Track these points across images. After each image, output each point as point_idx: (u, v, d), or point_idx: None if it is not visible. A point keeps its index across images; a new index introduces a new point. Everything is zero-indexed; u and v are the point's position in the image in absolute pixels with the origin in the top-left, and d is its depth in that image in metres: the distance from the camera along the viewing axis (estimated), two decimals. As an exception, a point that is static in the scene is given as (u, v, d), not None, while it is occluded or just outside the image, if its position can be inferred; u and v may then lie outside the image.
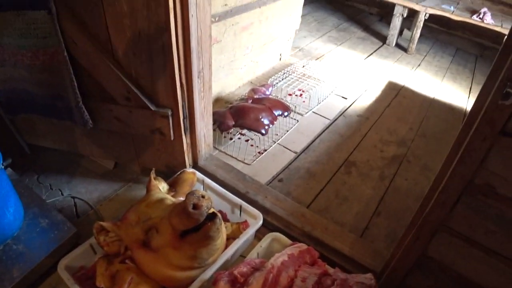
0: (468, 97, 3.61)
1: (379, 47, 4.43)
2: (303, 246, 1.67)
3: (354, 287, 1.45)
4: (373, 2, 5.18)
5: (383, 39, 4.59)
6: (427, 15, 4.10)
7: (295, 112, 2.92)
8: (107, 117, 1.93)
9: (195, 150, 2.09)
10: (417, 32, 4.20)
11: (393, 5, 4.26)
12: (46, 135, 2.24)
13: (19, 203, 1.83)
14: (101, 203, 2.13)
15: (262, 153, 2.49)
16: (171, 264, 1.45)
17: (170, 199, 1.61)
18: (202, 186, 1.99)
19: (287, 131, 2.71)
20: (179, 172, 1.97)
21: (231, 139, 2.58)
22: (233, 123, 2.41)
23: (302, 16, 3.66)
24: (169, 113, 1.82)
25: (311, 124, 2.86)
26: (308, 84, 3.20)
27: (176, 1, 1.56)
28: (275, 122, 2.53)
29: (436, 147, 2.80)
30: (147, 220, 1.50)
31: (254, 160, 2.43)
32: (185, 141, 1.98)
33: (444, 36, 4.88)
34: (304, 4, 3.57)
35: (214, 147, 2.44)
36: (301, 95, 3.09)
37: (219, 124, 2.39)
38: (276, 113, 2.56)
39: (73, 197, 2.16)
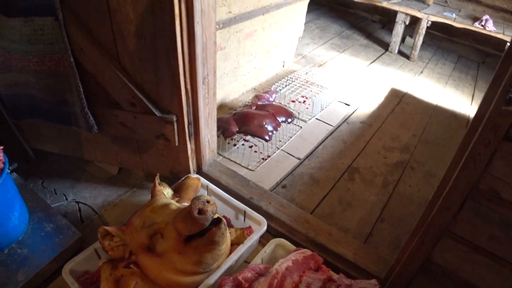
0: (471, 104, 3.62)
1: (382, 54, 4.45)
2: (307, 252, 1.67)
3: (358, 293, 1.46)
4: (376, 10, 5.21)
5: (385, 46, 4.62)
6: (429, 22, 4.12)
7: (298, 118, 2.93)
8: (112, 122, 1.95)
9: (200, 156, 2.10)
10: (419, 40, 4.22)
11: (395, 13, 4.28)
12: (50, 140, 2.26)
13: (24, 208, 1.84)
14: (105, 208, 2.14)
15: (265, 159, 2.50)
16: (175, 269, 1.45)
17: (175, 204, 1.62)
18: (206, 192, 2.00)
19: (291, 137, 2.72)
20: (183, 178, 1.98)
21: (235, 145, 2.59)
22: (237, 129, 2.42)
23: (305, 23, 3.69)
24: (174, 119, 1.83)
25: (315, 130, 2.87)
26: (311, 91, 3.21)
27: (181, 8, 1.58)
28: (278, 129, 2.54)
29: (439, 154, 2.80)
30: (152, 225, 1.51)
31: (258, 166, 2.44)
32: (190, 147, 1.99)
33: (446, 43, 4.90)
34: (307, 12, 3.59)
35: (218, 153, 2.45)
36: (304, 101, 3.10)
37: (223, 131, 2.40)
38: (280, 119, 2.58)
39: (78, 202, 2.17)
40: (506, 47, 1.02)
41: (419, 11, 4.14)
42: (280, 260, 1.57)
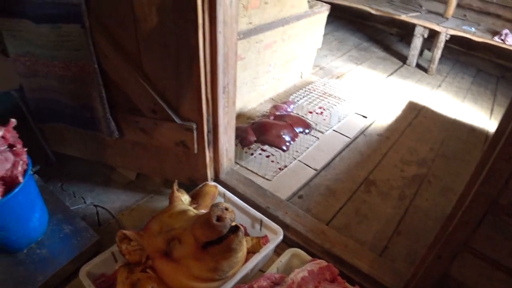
0: (490, 118, 3.58)
1: (400, 67, 4.44)
2: (323, 262, 1.67)
3: (374, 306, 1.45)
4: (394, 23, 5.20)
5: (403, 59, 4.60)
6: (448, 36, 4.10)
7: (315, 129, 2.93)
8: (133, 128, 1.98)
9: (217, 164, 2.12)
10: (438, 53, 4.20)
11: (413, 26, 4.27)
12: (72, 144, 2.30)
13: (45, 209, 1.88)
14: (122, 213, 2.17)
15: (282, 169, 2.50)
16: (192, 275, 1.46)
17: (192, 211, 1.64)
18: (223, 200, 2.01)
19: (307, 148, 2.73)
20: (201, 185, 2.00)
21: (252, 154, 2.60)
22: (255, 138, 2.44)
23: (323, 35, 3.71)
24: (194, 126, 1.85)
25: (331, 142, 2.87)
26: (328, 102, 3.22)
27: (205, 19, 1.61)
28: (296, 139, 2.55)
29: (457, 168, 2.77)
30: (169, 231, 1.52)
31: (275, 176, 2.44)
32: (208, 154, 2.01)
33: (465, 57, 4.87)
34: (325, 24, 3.61)
35: (235, 162, 2.47)
36: (321, 113, 3.11)
37: (241, 140, 2.42)
38: (297, 130, 2.59)
39: (96, 206, 2.21)
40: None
41: (438, 24, 4.12)
42: (296, 270, 1.57)
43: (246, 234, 1.90)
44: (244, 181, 2.22)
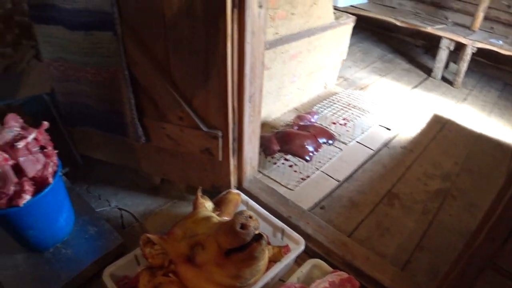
0: (517, 134, 3.50)
1: (424, 80, 4.39)
2: (344, 274, 1.66)
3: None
4: (419, 35, 5.15)
5: (428, 71, 4.55)
6: (475, 49, 4.04)
7: (339, 140, 2.93)
8: (160, 134, 2.02)
9: (241, 172, 2.13)
10: (464, 66, 4.14)
11: (439, 38, 4.22)
12: (98, 147, 2.36)
13: (71, 210, 1.93)
14: (146, 217, 2.20)
15: (305, 179, 2.50)
16: (213, 281, 1.48)
17: (216, 217, 1.65)
18: (246, 208, 2.03)
19: (330, 159, 2.72)
20: (224, 192, 2.02)
21: (275, 163, 2.61)
22: (279, 148, 2.45)
23: (348, 46, 3.70)
24: (220, 134, 1.88)
25: (355, 153, 2.85)
26: (352, 114, 3.21)
27: (234, 29, 1.64)
28: (319, 150, 2.55)
29: (482, 183, 2.72)
30: (193, 236, 1.54)
31: (297, 186, 2.45)
32: (232, 162, 2.03)
33: (492, 70, 4.78)
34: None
35: (258, 171, 2.48)
36: (345, 124, 3.10)
37: (265, 149, 2.44)
38: (321, 140, 2.59)
39: (120, 209, 2.25)
40: None
41: (464, 37, 4.07)
42: (317, 280, 1.57)
43: (268, 243, 1.91)
44: (266, 190, 2.23)
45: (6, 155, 1.54)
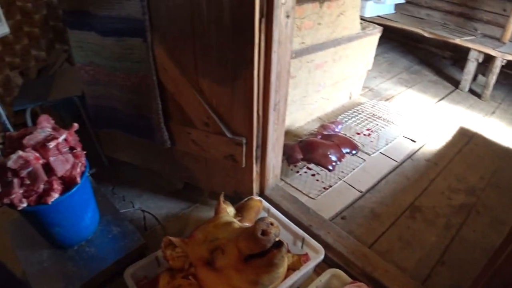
0: (547, 151, 3.40)
1: (451, 92, 4.32)
2: (363, 286, 1.65)
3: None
4: (447, 46, 5.07)
5: (455, 83, 4.47)
6: (505, 61, 3.95)
7: (362, 151, 2.91)
8: (185, 139, 2.06)
9: (264, 179, 2.15)
10: (493, 78, 4.05)
11: (468, 50, 4.15)
12: (124, 150, 2.41)
13: (96, 210, 1.98)
14: (168, 219, 2.24)
15: (327, 189, 2.50)
16: (232, 285, 1.49)
17: (237, 223, 1.67)
18: (267, 215, 2.04)
19: (353, 169, 2.71)
20: (246, 199, 2.03)
21: (297, 172, 2.62)
22: (302, 156, 2.45)
23: (374, 57, 3.68)
24: (244, 141, 1.90)
25: (378, 164, 2.83)
26: (377, 125, 3.19)
27: (261, 38, 1.66)
28: (342, 160, 2.54)
29: (509, 199, 2.65)
30: (214, 240, 1.56)
31: (319, 195, 2.44)
32: (255, 169, 2.05)
33: (522, 84, 4.66)
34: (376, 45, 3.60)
35: (281, 179, 2.49)
36: (369, 134, 3.09)
37: (288, 157, 2.45)
38: (344, 150, 2.58)
39: (143, 211, 2.29)
40: None
41: (493, 49, 3.98)
42: (336, 291, 1.57)
43: (287, 251, 1.91)
44: (288, 198, 2.24)
45: (37, 154, 1.60)
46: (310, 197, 2.42)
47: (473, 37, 4.29)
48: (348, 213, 2.36)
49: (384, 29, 3.61)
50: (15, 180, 1.54)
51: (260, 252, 1.41)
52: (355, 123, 3.17)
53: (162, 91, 1.94)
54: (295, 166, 2.61)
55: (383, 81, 4.37)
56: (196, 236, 1.63)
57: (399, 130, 3.25)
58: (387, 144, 3.06)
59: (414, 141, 3.19)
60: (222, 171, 2.12)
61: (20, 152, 1.54)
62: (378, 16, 4.76)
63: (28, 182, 1.57)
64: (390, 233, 2.26)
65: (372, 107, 3.51)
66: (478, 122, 3.69)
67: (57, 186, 1.63)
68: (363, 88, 3.98)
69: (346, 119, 3.22)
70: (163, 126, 2.02)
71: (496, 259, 1.26)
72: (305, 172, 2.63)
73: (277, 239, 1.44)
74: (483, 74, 4.44)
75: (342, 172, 2.67)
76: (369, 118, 3.30)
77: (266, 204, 2.05)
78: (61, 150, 1.67)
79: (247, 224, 1.75)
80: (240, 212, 1.92)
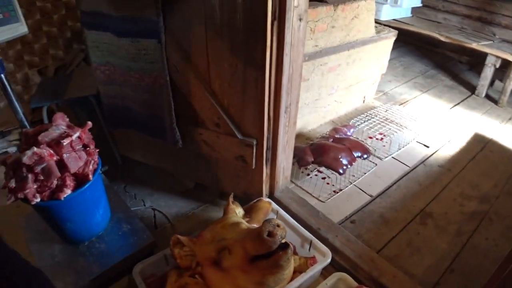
0: None
1: (467, 97, 4.26)
2: (370, 291, 1.65)
3: None
4: (464, 51, 5.01)
5: (472, 89, 4.41)
6: (522, 67, 3.88)
7: (374, 155, 2.90)
8: (196, 139, 2.08)
9: (273, 181, 2.16)
10: (510, 84, 3.97)
11: (485, 55, 4.10)
12: (137, 149, 2.45)
13: (108, 207, 2.01)
14: (178, 218, 2.27)
15: (337, 192, 2.50)
16: (238, 286, 1.50)
17: (245, 224, 1.69)
18: (276, 217, 2.04)
19: (365, 173, 2.70)
20: (255, 200, 2.05)
21: (308, 175, 2.63)
22: (312, 159, 2.45)
23: (389, 60, 3.66)
24: (254, 142, 1.91)
25: (390, 169, 2.82)
26: (389, 129, 3.17)
27: (273, 40, 1.67)
28: (353, 163, 2.54)
29: (524, 209, 2.62)
30: (221, 240, 1.58)
31: (329, 198, 2.44)
32: (265, 171, 2.06)
33: (541, 91, 4.57)
34: (392, 49, 3.57)
35: (291, 181, 2.50)
36: (381, 139, 3.07)
37: (298, 159, 2.45)
38: (356, 154, 2.57)
39: (154, 209, 2.32)
40: None
41: (511, 54, 3.93)
42: (341, 294, 1.57)
43: (295, 253, 1.92)
44: (298, 200, 2.24)
45: (51, 151, 1.64)
46: (320, 200, 2.42)
47: (490, 42, 4.24)
48: (358, 217, 2.35)
49: (400, 32, 3.59)
50: (30, 176, 1.58)
51: (266, 253, 1.43)
52: (368, 127, 3.15)
53: (175, 91, 1.97)
54: (306, 168, 2.62)
55: (398, 85, 4.34)
56: (204, 235, 1.65)
57: (413, 135, 3.23)
58: (399, 149, 3.04)
59: (427, 147, 3.17)
60: (232, 172, 2.14)
61: (35, 149, 1.58)
62: (394, 19, 4.73)
63: (42, 177, 1.60)
64: (400, 239, 2.25)
65: (385, 111, 3.49)
66: (494, 128, 3.64)
67: (69, 182, 1.67)
68: (377, 92, 3.96)
69: (358, 123, 3.21)
70: (175, 126, 2.04)
71: (505, 267, 1.25)
72: (316, 175, 2.63)
73: (283, 241, 1.45)
74: (501, 80, 4.37)
75: (353, 176, 2.66)
76: (382, 122, 3.29)
77: (275, 205, 2.06)
78: (74, 147, 1.71)
79: (255, 225, 1.76)
80: (248, 213, 1.93)
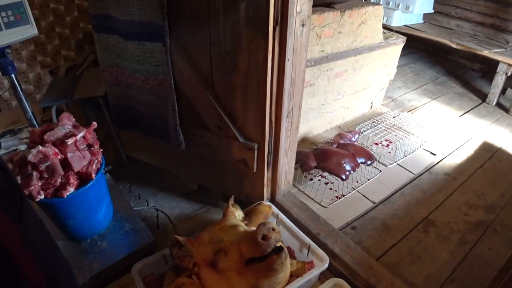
0: None
1: (477, 105, 4.22)
2: (366, 297, 1.65)
3: None
4: (476, 58, 4.96)
5: (482, 97, 4.37)
6: (534, 75, 3.84)
7: (379, 162, 2.89)
8: (199, 142, 2.11)
9: (275, 185, 2.17)
10: (522, 92, 3.94)
11: (497, 62, 4.06)
12: (143, 150, 2.49)
13: (111, 206, 2.06)
14: (180, 219, 2.29)
15: (339, 198, 2.50)
16: (232, 287, 1.52)
17: (243, 226, 1.70)
18: (275, 221, 2.06)
19: (368, 179, 2.70)
20: (256, 203, 2.06)
21: (311, 179, 2.64)
22: (315, 164, 2.46)
23: (399, 66, 3.65)
24: (255, 146, 1.93)
25: (394, 176, 2.81)
26: (396, 136, 3.16)
27: (275, 46, 1.69)
28: (356, 169, 2.54)
29: (530, 220, 2.58)
30: (218, 242, 1.60)
31: (331, 204, 2.45)
32: (267, 175, 2.08)
33: (554, 100, 4.51)
34: (403, 55, 3.56)
35: (294, 185, 2.51)
36: (387, 145, 3.07)
37: (302, 164, 2.46)
38: (359, 160, 2.57)
39: (157, 209, 2.36)
40: None
41: (524, 62, 3.88)
42: (336, 300, 1.57)
43: (293, 257, 1.93)
44: (299, 205, 2.25)
45: (56, 150, 1.68)
46: (322, 205, 2.43)
47: (503, 50, 4.19)
48: (359, 224, 2.35)
49: (411, 39, 3.57)
50: (34, 173, 1.63)
51: (260, 256, 1.44)
52: (374, 133, 3.15)
53: (179, 94, 2.00)
54: (309, 173, 2.63)
55: (407, 92, 4.32)
56: (202, 237, 1.67)
57: (419, 142, 3.22)
58: (405, 156, 3.03)
59: (434, 154, 3.15)
60: (234, 175, 2.16)
61: (40, 147, 1.62)
62: (405, 25, 4.72)
63: (46, 175, 1.65)
64: (401, 246, 2.24)
65: (393, 118, 3.48)
66: (503, 137, 3.60)
67: (73, 180, 1.71)
68: (386, 98, 3.95)
69: (364, 129, 3.20)
70: (178, 128, 2.07)
71: (503, 276, 1.25)
72: (319, 180, 2.64)
73: (278, 245, 1.46)
74: (512, 88, 4.33)
75: (357, 182, 2.66)
76: (389, 128, 3.28)
77: (275, 209, 2.07)
78: (78, 147, 1.75)
79: (253, 228, 1.77)
80: (248, 216, 1.95)
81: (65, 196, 1.67)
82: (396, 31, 3.78)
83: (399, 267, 2.10)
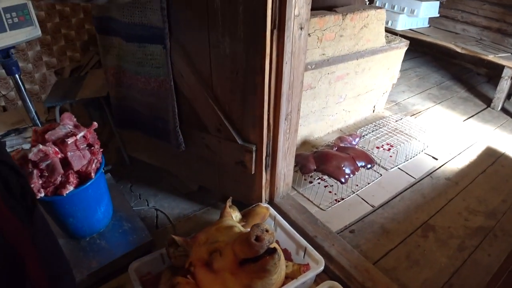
0: None
1: (482, 110, 4.20)
2: (360, 300, 1.65)
3: None
4: (481, 62, 4.93)
5: (487, 101, 4.34)
6: (540, 80, 3.81)
7: (379, 165, 2.89)
8: (198, 143, 2.13)
9: (273, 187, 2.18)
10: (527, 98, 3.92)
11: (502, 67, 4.03)
12: (144, 150, 2.51)
13: (110, 205, 2.08)
14: (179, 220, 2.31)
15: (339, 201, 2.51)
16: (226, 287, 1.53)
17: (239, 227, 1.72)
18: (273, 223, 2.07)
19: (368, 183, 2.70)
20: (253, 205, 2.08)
21: (310, 182, 2.64)
22: (315, 167, 2.47)
23: (404, 70, 3.65)
24: (253, 148, 1.95)
25: (395, 180, 2.81)
26: (398, 140, 3.16)
27: (273, 49, 1.71)
28: (356, 173, 2.54)
29: (532, 227, 2.57)
30: (214, 243, 1.62)
31: (330, 207, 2.46)
32: (265, 177, 2.09)
33: (560, 106, 4.47)
34: (408, 59, 3.56)
35: (293, 188, 2.52)
36: (389, 149, 3.06)
37: (301, 167, 2.48)
38: (359, 164, 2.58)
39: (157, 209, 2.38)
40: None
41: (529, 67, 3.86)
42: (329, 302, 1.58)
43: (290, 259, 1.94)
44: (297, 207, 2.26)
45: (56, 149, 1.71)
46: (321, 208, 2.44)
47: (508, 54, 4.17)
48: (357, 227, 2.36)
49: (416, 43, 3.57)
50: (35, 171, 1.66)
51: (253, 257, 1.45)
52: (375, 137, 3.15)
53: (179, 96, 2.02)
54: (309, 176, 2.64)
55: (411, 96, 4.31)
56: (199, 237, 1.69)
57: (421, 147, 3.21)
58: (406, 160, 3.02)
59: (436, 159, 3.14)
60: (233, 177, 2.18)
61: (41, 146, 1.65)
62: (410, 29, 4.71)
63: (46, 174, 1.68)
64: (399, 251, 2.24)
65: (395, 122, 3.48)
66: (507, 142, 3.58)
67: (72, 179, 1.74)
68: (389, 102, 3.94)
69: (365, 132, 3.21)
70: (178, 129, 2.09)
71: (498, 278, 1.25)
72: (318, 183, 2.65)
73: (271, 246, 1.47)
74: (518, 93, 4.30)
75: (357, 185, 2.66)
76: (391, 132, 3.28)
77: (273, 211, 2.08)
78: (79, 146, 1.78)
79: (249, 229, 1.79)
80: (245, 217, 1.97)
81: (65, 195, 1.69)
82: (401, 35, 3.78)
83: (396, 272, 2.10)
